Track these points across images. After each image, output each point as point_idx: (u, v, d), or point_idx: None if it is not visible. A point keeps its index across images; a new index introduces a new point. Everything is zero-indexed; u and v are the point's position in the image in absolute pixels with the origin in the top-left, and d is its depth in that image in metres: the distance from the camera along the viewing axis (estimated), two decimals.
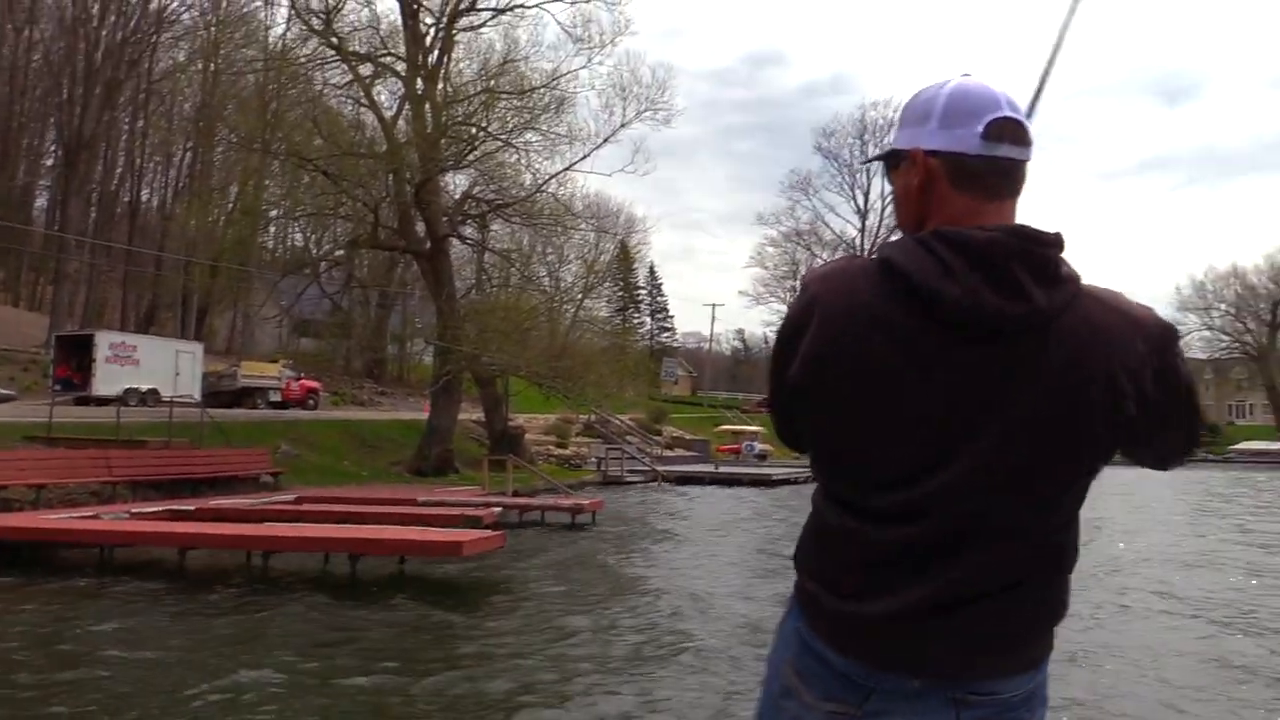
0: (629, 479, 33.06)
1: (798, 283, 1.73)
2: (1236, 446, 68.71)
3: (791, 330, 1.64)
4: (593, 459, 35.61)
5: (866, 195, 71.76)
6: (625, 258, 74.59)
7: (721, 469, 36.40)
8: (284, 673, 7.77)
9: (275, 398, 35.97)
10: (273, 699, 6.98)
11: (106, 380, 29.36)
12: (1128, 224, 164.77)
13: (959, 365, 1.54)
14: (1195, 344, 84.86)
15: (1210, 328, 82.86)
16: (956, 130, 1.59)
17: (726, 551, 16.65)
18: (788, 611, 1.77)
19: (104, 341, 30.39)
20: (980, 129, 1.58)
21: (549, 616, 10.59)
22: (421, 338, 41.69)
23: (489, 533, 13.44)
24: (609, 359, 34.00)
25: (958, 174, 1.60)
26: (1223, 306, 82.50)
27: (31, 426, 20.44)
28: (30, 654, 8.26)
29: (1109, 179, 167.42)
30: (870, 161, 1.96)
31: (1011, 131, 1.60)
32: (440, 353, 29.53)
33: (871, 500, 1.60)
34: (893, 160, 1.70)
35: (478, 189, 31.16)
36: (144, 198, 55.74)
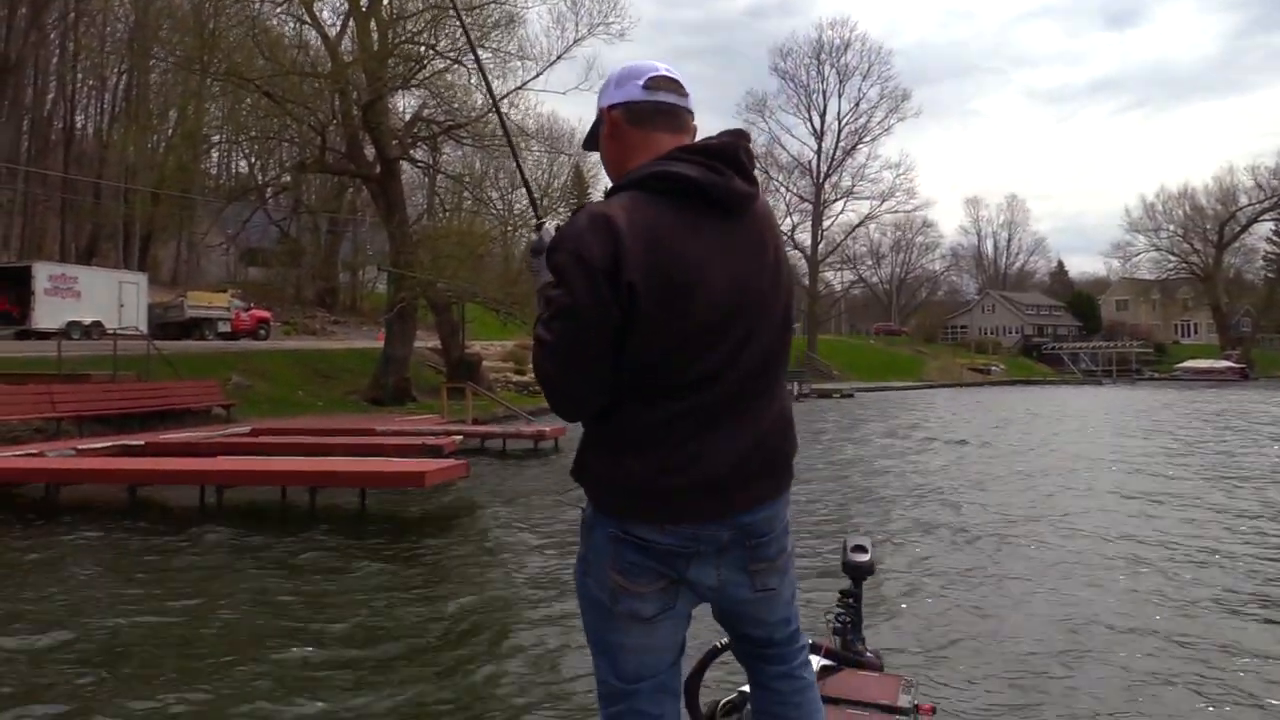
0: None
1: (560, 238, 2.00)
2: (1182, 365, 70.49)
3: (607, 264, 1.89)
4: None
5: (823, 117, 70.92)
6: (580, 182, 73.29)
7: None
8: (243, 613, 7.48)
9: (225, 329, 35.17)
10: (232, 646, 6.69)
11: (47, 313, 28.41)
12: (1080, 146, 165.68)
13: (728, 247, 2.01)
14: (1143, 265, 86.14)
15: (1158, 249, 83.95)
16: (625, 87, 2.14)
17: None
18: (590, 527, 2.10)
19: (43, 273, 29.33)
20: (641, 83, 2.13)
21: (511, 544, 10.37)
22: (374, 265, 40.76)
23: (451, 461, 13.15)
24: None
25: (632, 115, 2.13)
26: (1171, 228, 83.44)
27: None
28: None
29: (1060, 101, 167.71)
30: (587, 146, 2.29)
31: (667, 84, 2.15)
32: (394, 280, 28.88)
33: (679, 383, 1.97)
34: (596, 132, 2.21)
35: (427, 110, 30.20)
36: (79, 124, 53.63)
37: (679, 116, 2.12)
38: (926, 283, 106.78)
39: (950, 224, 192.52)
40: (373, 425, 19.18)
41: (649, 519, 1.98)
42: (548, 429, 20.12)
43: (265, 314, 38.23)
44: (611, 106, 2.14)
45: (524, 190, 41.45)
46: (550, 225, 2.21)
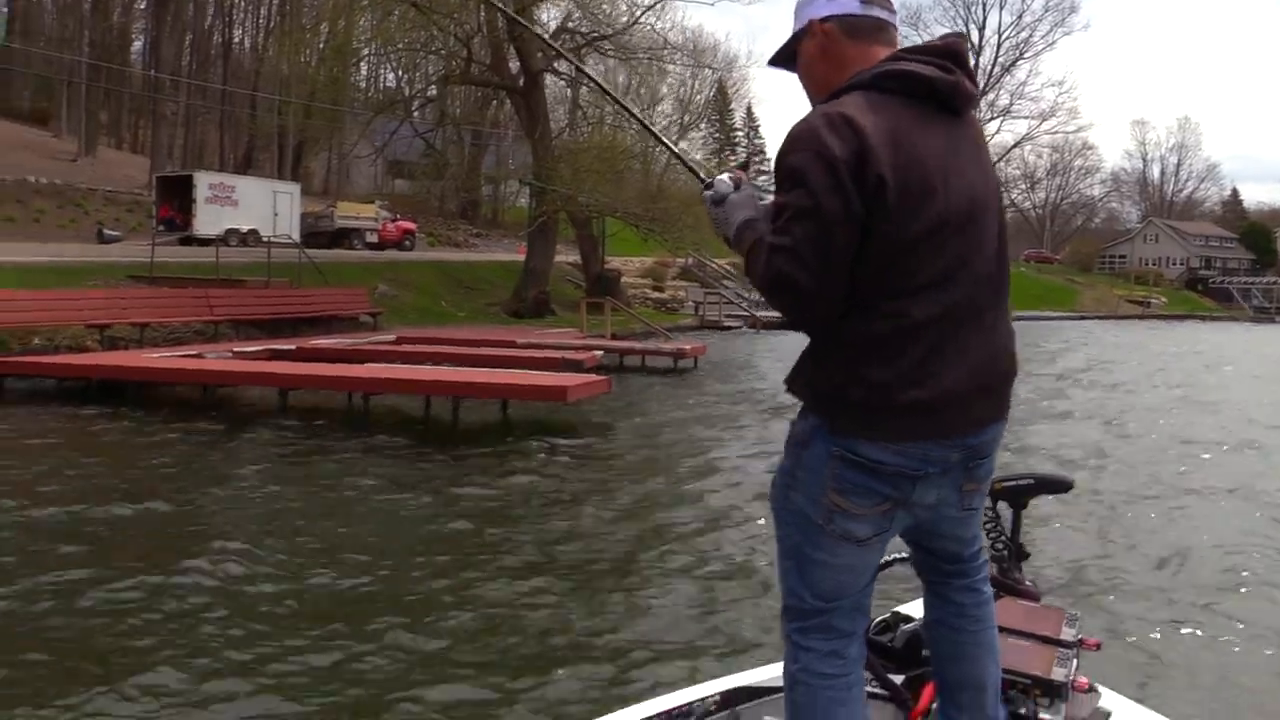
0: (726, 324, 32.43)
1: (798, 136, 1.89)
2: None
3: (851, 160, 1.82)
4: (690, 303, 34.98)
5: (982, 30, 67.25)
6: (722, 98, 71.86)
7: None
8: (382, 513, 7.44)
9: (372, 239, 35.87)
10: (365, 546, 6.63)
11: (208, 220, 29.43)
12: (1263, 66, 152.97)
13: (955, 149, 1.96)
14: None
15: None
16: (839, 1, 2.03)
17: None
18: (803, 443, 1.99)
19: (203, 182, 30.32)
20: None
21: (653, 461, 10.12)
22: (516, 178, 40.85)
23: (594, 377, 12.95)
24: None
25: (849, 29, 2.02)
26: None
27: (135, 266, 20.50)
28: (136, 488, 8.08)
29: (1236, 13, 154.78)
30: (775, 62, 2.17)
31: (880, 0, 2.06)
32: (535, 193, 28.81)
33: (916, 292, 1.89)
34: (794, 47, 2.11)
35: (572, 22, 29.67)
36: (236, 38, 55.21)
37: (891, 32, 2.06)
38: (1083, 209, 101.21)
39: (1113, 147, 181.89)
40: (513, 338, 19.20)
41: (882, 437, 1.90)
42: (688, 347, 19.79)
43: (411, 225, 38.82)
44: (825, 19, 2.04)
45: (664, 106, 40.71)
46: (725, 177, 2.09)
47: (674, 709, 2.60)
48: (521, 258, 30.01)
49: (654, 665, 4.74)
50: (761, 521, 7.31)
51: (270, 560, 6.20)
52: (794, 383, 2.04)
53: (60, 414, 11.71)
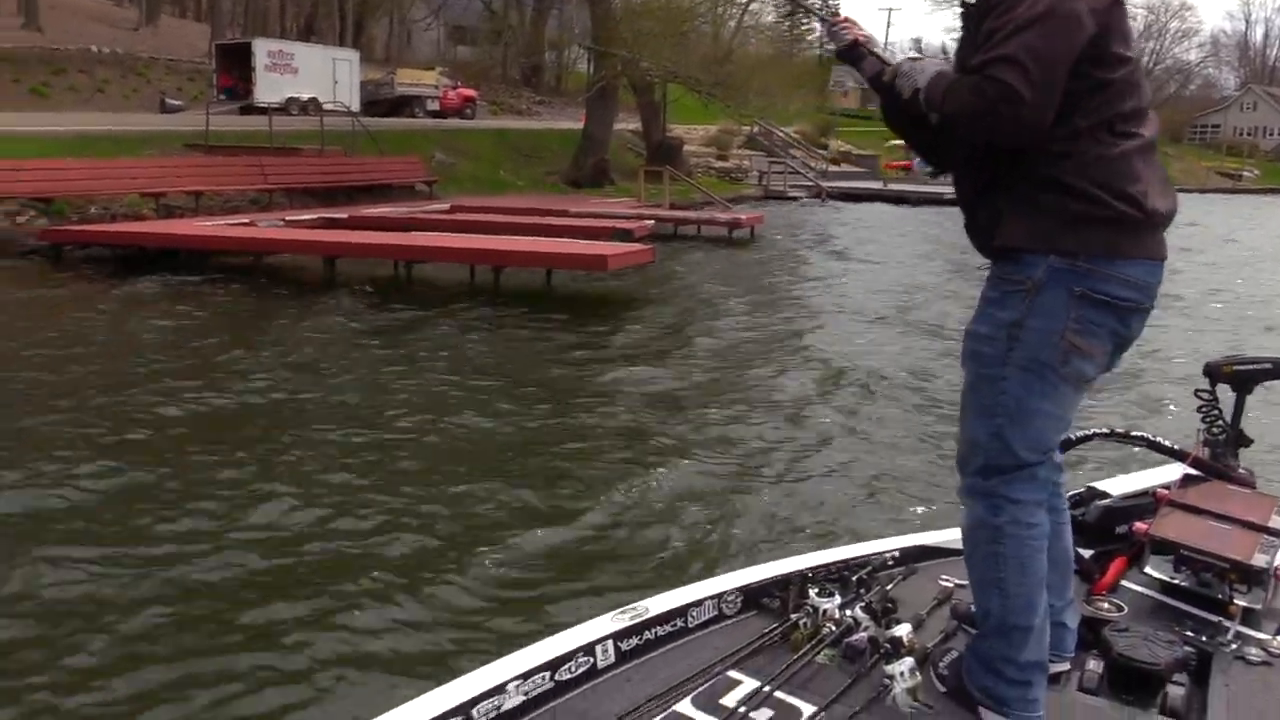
0: (791, 194, 31.67)
1: None
2: None
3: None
4: (754, 172, 34.17)
5: None
6: None
7: (890, 186, 34.31)
8: (414, 380, 7.46)
9: (433, 106, 35.41)
10: (402, 412, 6.64)
11: (268, 89, 29.25)
12: None
13: None
14: None
15: None
16: None
17: (891, 273, 15.50)
18: (1035, 289, 2.01)
19: (261, 50, 30.02)
20: None
21: (686, 335, 9.96)
22: (577, 43, 39.83)
23: (637, 246, 12.74)
24: (774, 67, 31.64)
25: None
26: None
27: (193, 135, 20.54)
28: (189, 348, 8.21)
29: None
30: None
31: None
32: (596, 58, 28.04)
33: (1130, 118, 2.01)
34: None
35: None
36: None
37: None
38: (1177, 75, 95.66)
39: (1213, 8, 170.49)
40: (567, 206, 18.96)
41: (1137, 252, 2.01)
42: (744, 217, 19.38)
43: (472, 93, 38.19)
44: None
45: None
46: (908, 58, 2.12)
47: (854, 559, 2.65)
48: (582, 125, 29.44)
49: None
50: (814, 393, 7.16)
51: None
52: (1012, 229, 2.03)
53: (112, 280, 11.91)
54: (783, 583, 2.50)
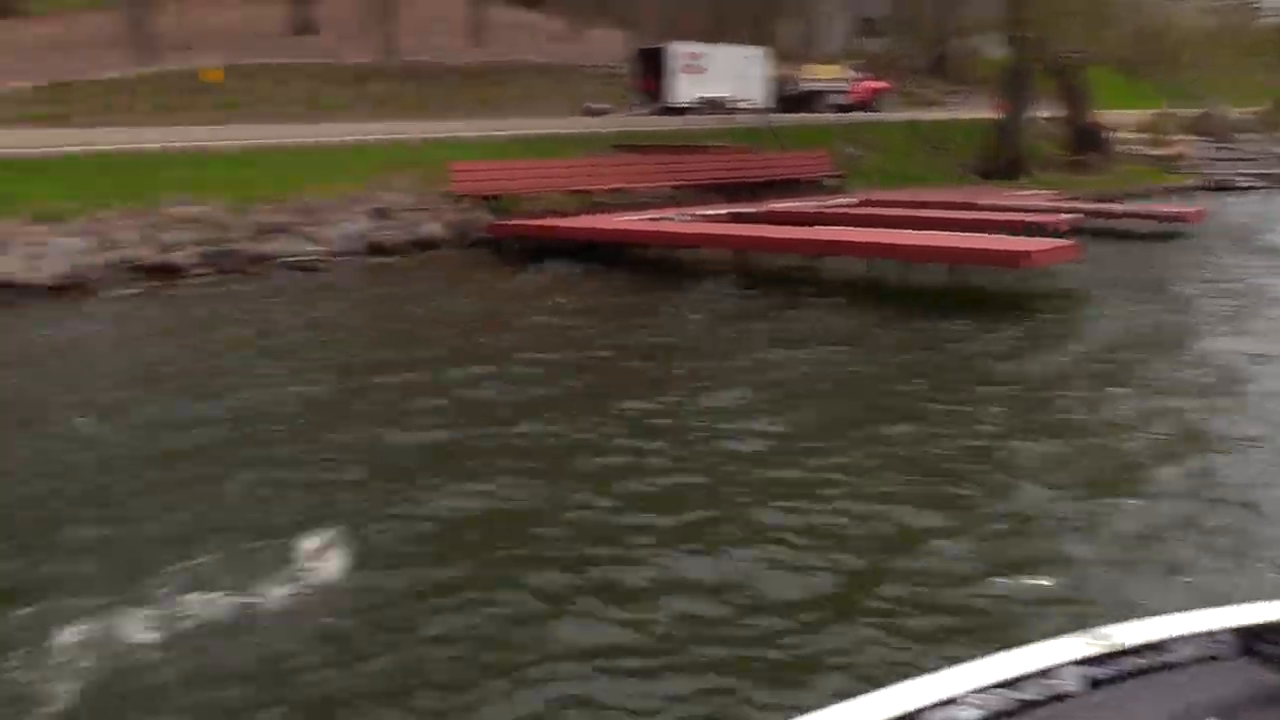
0: (1241, 184, 27.93)
1: None
2: None
3: None
4: (1195, 160, 30.55)
5: None
6: None
7: None
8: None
9: (839, 100, 35.28)
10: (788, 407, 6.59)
11: (680, 90, 30.65)
12: None
13: None
14: None
15: None
16: None
17: None
18: None
19: (674, 53, 31.49)
20: None
21: (1126, 342, 9.01)
22: (989, 28, 37.82)
23: (1057, 243, 11.78)
24: (1219, 39, 27.94)
25: None
26: None
27: (612, 137, 22.01)
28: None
29: None
30: None
31: None
32: (1009, 42, 26.44)
33: None
34: None
35: None
36: None
37: None
38: None
39: None
40: (977, 199, 18.03)
41: None
42: (1184, 210, 17.34)
43: (881, 85, 37.54)
44: None
45: None
46: None
47: None
48: (995, 114, 27.91)
49: None
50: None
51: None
52: None
53: (551, 271, 13.01)
54: None
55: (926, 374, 7.68)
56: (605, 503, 5.06)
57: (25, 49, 29.35)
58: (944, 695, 1.83)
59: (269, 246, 13.26)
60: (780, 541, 4.58)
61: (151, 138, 16.90)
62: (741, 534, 4.67)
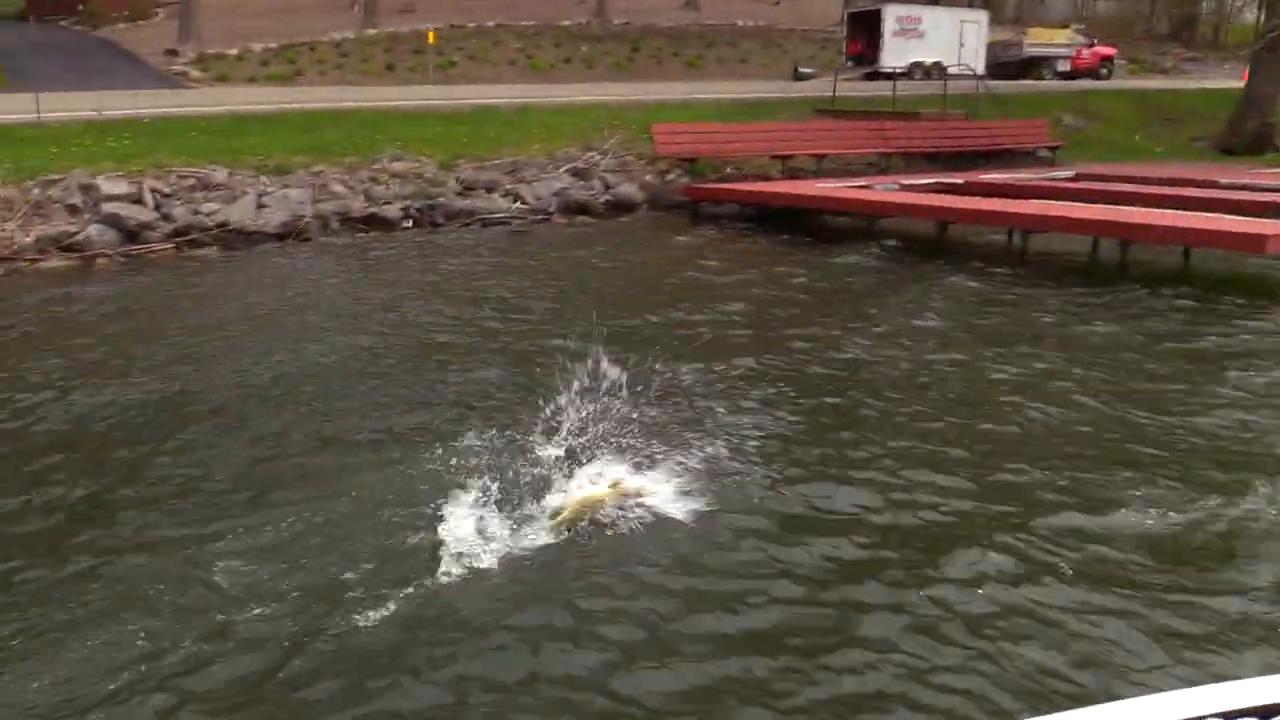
0: None
1: None
2: None
3: None
4: None
5: None
6: None
7: None
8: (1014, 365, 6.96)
9: (1063, 67, 33.20)
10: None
11: (893, 53, 29.60)
12: None
13: None
14: None
15: None
16: None
17: None
18: None
19: (891, 15, 30.38)
20: None
21: None
22: None
23: None
24: None
25: None
26: None
27: (821, 101, 21.46)
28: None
29: None
30: None
31: None
32: (1268, 4, 24.06)
33: None
34: None
35: None
36: None
37: None
38: None
39: None
40: (1215, 176, 16.54)
41: None
42: None
43: (1109, 51, 35.08)
44: None
45: None
46: None
47: None
48: (1242, 84, 25.52)
49: None
50: None
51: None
52: None
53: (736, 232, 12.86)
54: None
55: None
56: None
57: (261, 11, 31.34)
58: (1191, 714, 1.73)
59: (473, 203, 13.69)
60: None
61: (376, 96, 17.77)
62: None
